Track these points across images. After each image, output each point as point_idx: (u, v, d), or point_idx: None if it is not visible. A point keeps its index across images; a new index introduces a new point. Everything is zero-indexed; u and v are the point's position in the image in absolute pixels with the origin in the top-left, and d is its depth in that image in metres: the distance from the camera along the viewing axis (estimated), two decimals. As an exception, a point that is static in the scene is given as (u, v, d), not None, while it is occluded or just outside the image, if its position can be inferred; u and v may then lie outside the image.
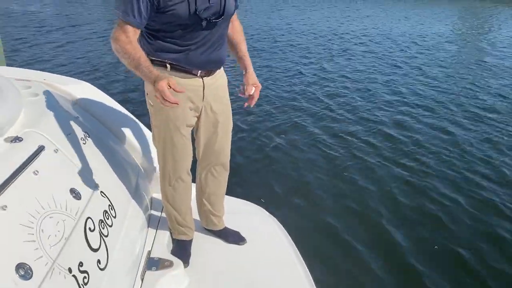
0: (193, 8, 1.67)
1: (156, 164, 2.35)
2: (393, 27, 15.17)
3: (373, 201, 3.92)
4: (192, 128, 1.99)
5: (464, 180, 4.30)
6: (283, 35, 12.65)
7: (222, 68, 1.99)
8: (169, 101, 1.51)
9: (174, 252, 2.07)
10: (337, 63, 9.46)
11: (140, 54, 1.63)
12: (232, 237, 2.23)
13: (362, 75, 8.45)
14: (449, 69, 9.06)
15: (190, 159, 2.03)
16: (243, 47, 2.03)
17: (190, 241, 2.17)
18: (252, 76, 1.97)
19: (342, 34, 13.41)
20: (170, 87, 1.51)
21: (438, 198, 3.95)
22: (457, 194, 4.02)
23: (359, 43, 11.99)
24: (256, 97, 1.94)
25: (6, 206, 1.24)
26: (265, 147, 5.01)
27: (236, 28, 2.03)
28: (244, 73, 1.99)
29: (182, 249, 2.12)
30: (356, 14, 18.92)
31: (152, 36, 1.77)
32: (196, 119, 1.96)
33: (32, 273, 1.16)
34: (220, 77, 1.97)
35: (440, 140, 5.26)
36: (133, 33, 1.66)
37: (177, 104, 1.54)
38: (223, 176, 2.19)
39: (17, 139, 1.52)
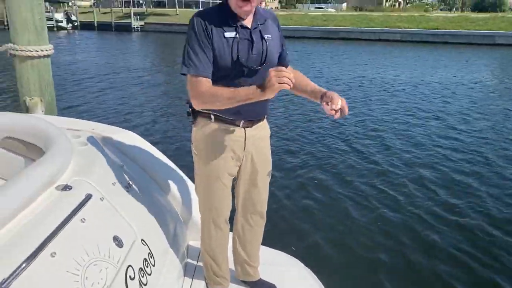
0: (236, 56, 1.76)
1: (193, 212, 2.40)
2: (428, 75, 15.13)
3: (405, 251, 3.84)
4: (233, 177, 2.03)
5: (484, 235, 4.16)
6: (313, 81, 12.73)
7: (265, 120, 2.03)
8: (287, 78, 1.54)
9: (209, 303, 2.07)
10: (370, 109, 9.50)
11: (227, 89, 1.67)
12: (267, 289, 2.20)
13: (392, 121, 8.46)
14: (482, 120, 8.85)
15: (229, 208, 2.06)
16: (311, 82, 1.97)
17: (225, 292, 2.17)
18: (332, 94, 1.77)
19: (375, 81, 13.49)
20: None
21: (472, 258, 3.82)
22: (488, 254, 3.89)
23: (390, 90, 12.02)
24: (346, 108, 1.74)
25: (55, 253, 1.30)
26: (296, 195, 4.99)
27: (297, 73, 2.02)
28: (322, 96, 1.81)
29: (217, 300, 2.11)
30: (391, 61, 19.09)
31: None
32: (237, 168, 2.00)
33: None
34: (262, 128, 2.01)
35: (470, 195, 5.08)
36: (208, 83, 1.74)
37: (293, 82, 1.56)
38: (260, 225, 2.20)
39: (67, 187, 1.59)
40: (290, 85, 1.55)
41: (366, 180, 5.45)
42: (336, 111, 1.71)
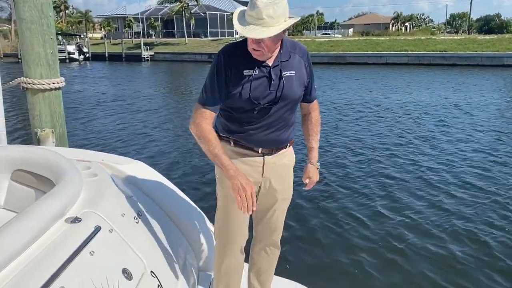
0: (249, 93, 1.79)
1: (204, 241, 2.37)
2: (438, 96, 15.11)
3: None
4: None
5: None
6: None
7: (289, 148, 2.03)
8: (241, 203, 1.73)
9: (220, 336, 2.02)
10: (364, 132, 9.47)
11: (219, 149, 1.78)
12: (280, 321, 2.16)
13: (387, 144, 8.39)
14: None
15: (246, 236, 2.06)
16: (313, 140, 2.10)
17: (237, 324, 2.12)
18: (308, 169, 2.10)
19: (383, 103, 13.41)
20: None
21: None
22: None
23: (380, 110, 11.97)
24: (310, 186, 2.12)
25: (63, 287, 1.28)
26: (307, 223, 4.93)
27: (311, 120, 2.10)
28: (309, 160, 2.12)
29: (229, 333, 2.07)
30: (401, 84, 19.11)
31: (221, 115, 1.93)
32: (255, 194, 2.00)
33: None
34: (284, 157, 2.00)
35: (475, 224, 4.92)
36: (210, 117, 1.82)
37: (253, 210, 1.74)
38: (276, 254, 2.19)
39: (76, 219, 1.59)
40: (240, 209, 1.75)
41: (381, 209, 5.38)
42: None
